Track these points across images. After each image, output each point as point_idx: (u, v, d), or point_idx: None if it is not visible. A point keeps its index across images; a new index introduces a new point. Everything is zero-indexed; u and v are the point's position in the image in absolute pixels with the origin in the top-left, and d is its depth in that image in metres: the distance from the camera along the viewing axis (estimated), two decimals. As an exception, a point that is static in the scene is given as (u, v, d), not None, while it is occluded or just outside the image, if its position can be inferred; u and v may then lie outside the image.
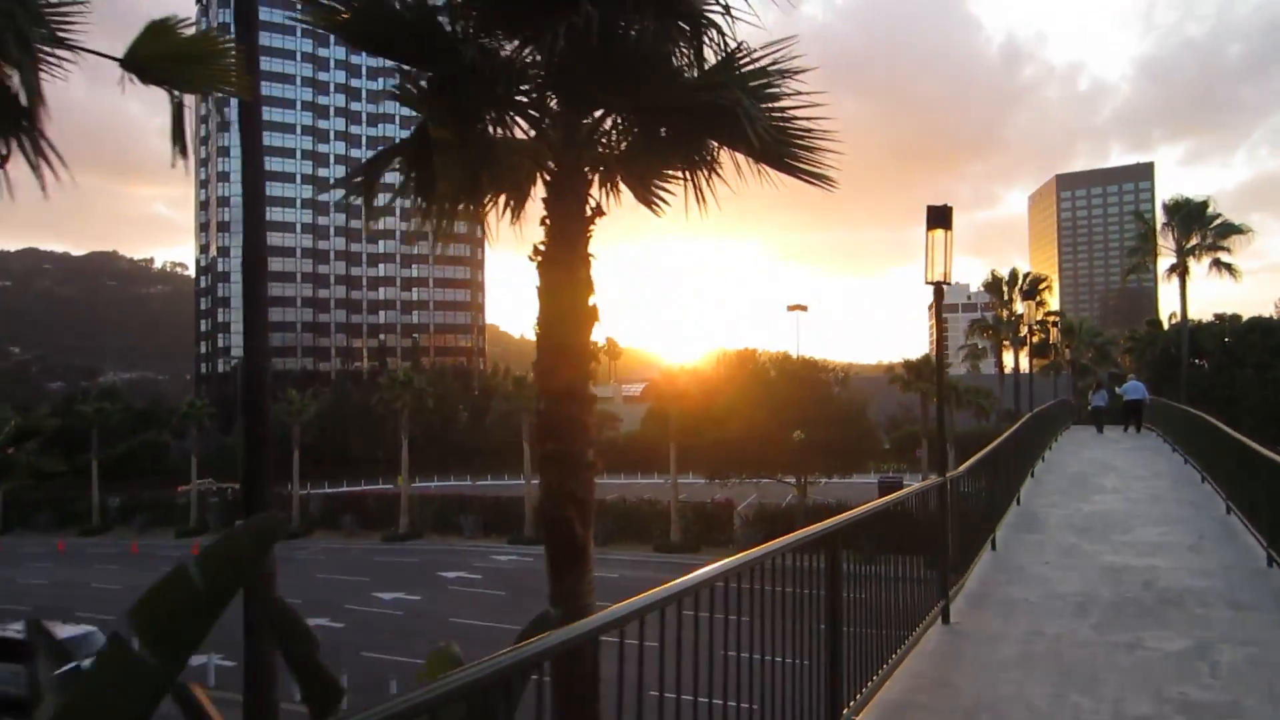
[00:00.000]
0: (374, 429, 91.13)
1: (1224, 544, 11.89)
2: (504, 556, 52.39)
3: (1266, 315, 57.24)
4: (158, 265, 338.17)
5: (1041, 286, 53.14)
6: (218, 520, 66.10)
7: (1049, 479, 19.02)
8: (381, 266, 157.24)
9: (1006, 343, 55.01)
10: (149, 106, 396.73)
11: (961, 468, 10.28)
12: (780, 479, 53.20)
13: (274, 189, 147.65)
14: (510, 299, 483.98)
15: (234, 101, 7.26)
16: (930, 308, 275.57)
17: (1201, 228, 42.65)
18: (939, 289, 9.11)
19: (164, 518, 70.64)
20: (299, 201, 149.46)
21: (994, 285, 52.07)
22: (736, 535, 52.73)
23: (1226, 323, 53.94)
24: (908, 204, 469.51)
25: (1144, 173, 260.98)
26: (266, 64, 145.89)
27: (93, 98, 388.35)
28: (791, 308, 68.37)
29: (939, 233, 8.81)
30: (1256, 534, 11.43)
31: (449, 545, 57.39)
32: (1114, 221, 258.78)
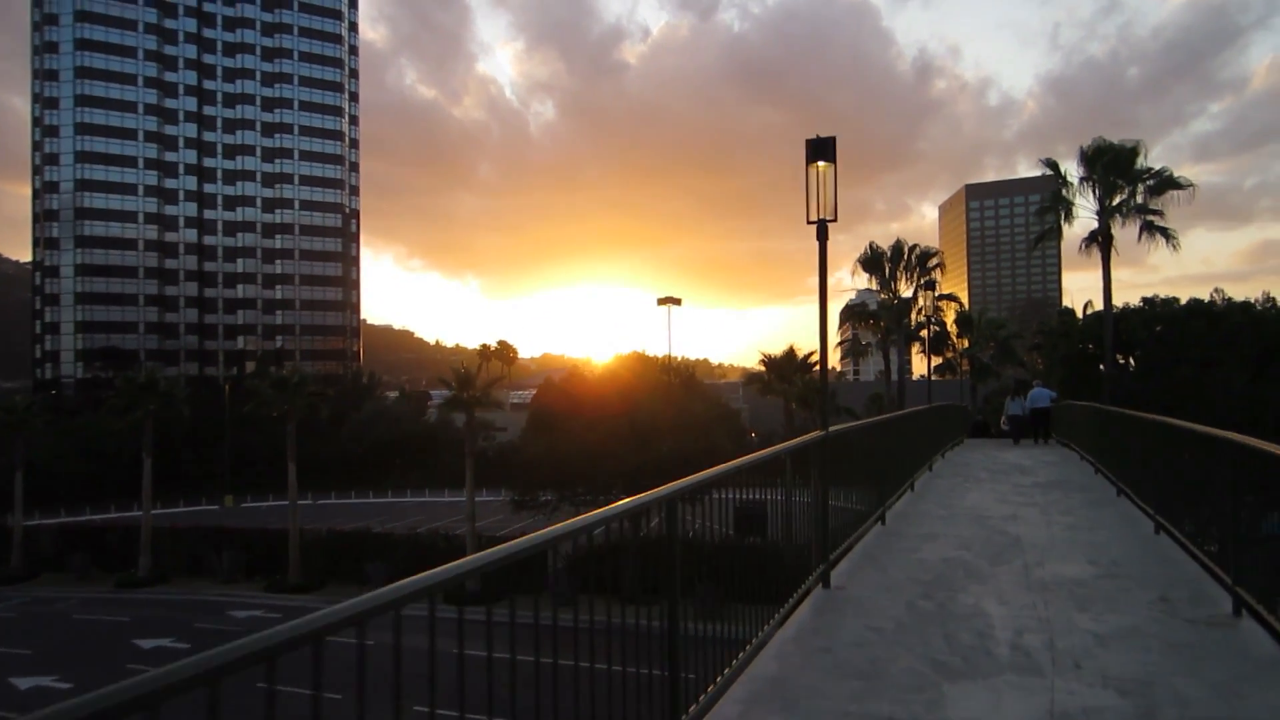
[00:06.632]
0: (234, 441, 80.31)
1: None
2: (245, 612, 39.72)
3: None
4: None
5: (932, 263, 42.26)
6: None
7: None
8: (240, 262, 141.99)
9: (894, 337, 44.43)
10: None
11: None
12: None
13: (111, 174, 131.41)
14: (426, 302, 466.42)
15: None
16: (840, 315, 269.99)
17: (1130, 182, 32.75)
18: (822, 228, 8.10)
19: None
20: (141, 189, 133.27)
21: (873, 262, 40.85)
22: (551, 579, 41.35)
23: (1158, 308, 43.44)
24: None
25: (1049, 185, 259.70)
26: (104, 62, 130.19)
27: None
28: (662, 301, 57.22)
29: (821, 166, 8.11)
30: None
31: (191, 593, 44.38)
32: (1020, 231, 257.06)
